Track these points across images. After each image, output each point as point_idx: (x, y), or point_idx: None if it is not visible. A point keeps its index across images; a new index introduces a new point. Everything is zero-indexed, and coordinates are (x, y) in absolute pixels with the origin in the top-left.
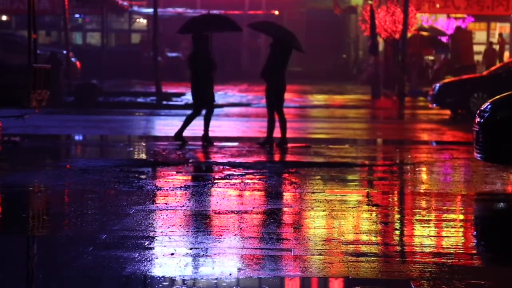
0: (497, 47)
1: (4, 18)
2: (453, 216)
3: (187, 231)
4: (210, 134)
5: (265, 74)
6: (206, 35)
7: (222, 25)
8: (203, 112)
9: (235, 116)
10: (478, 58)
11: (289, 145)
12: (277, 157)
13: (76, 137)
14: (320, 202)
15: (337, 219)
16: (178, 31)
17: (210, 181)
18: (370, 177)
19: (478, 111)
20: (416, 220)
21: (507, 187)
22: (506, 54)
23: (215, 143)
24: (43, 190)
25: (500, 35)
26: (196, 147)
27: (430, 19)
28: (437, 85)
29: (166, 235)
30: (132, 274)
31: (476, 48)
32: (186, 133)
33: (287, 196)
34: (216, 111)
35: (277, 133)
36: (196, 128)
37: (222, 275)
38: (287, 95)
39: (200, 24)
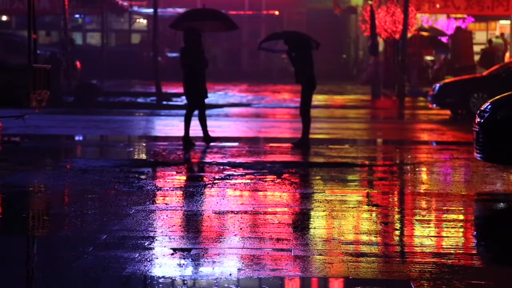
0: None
1: (4, 18)
2: (453, 216)
3: (187, 231)
4: (211, 134)
5: (297, 77)
6: (197, 29)
7: (216, 19)
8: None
9: (235, 116)
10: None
11: (289, 145)
12: (277, 158)
13: (76, 137)
14: (320, 202)
15: (337, 219)
16: (170, 26)
17: (210, 181)
18: (370, 177)
19: (478, 111)
20: (416, 220)
21: (507, 187)
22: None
23: (214, 144)
24: (43, 190)
25: (502, 35)
26: (196, 147)
27: (430, 19)
28: (437, 85)
29: (166, 235)
30: (132, 274)
31: (476, 48)
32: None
33: (287, 196)
34: (216, 111)
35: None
36: (196, 128)
37: (222, 275)
38: (287, 95)
39: (192, 18)
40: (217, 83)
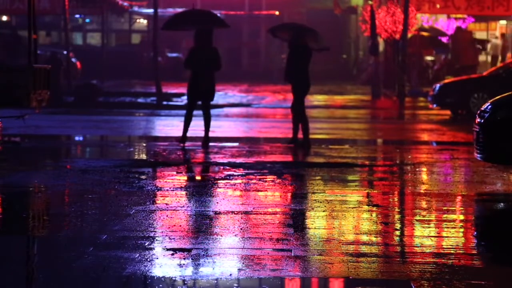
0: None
1: (4, 18)
2: (453, 216)
3: (187, 232)
4: (210, 134)
5: (288, 76)
6: (210, 31)
7: (209, 21)
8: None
9: (235, 117)
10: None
11: (289, 145)
12: (277, 158)
13: (76, 137)
14: (321, 202)
15: (337, 220)
16: (163, 28)
17: (210, 182)
18: (370, 177)
19: (478, 112)
20: (416, 220)
21: (507, 187)
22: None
23: (214, 144)
24: (43, 190)
25: (503, 35)
26: (196, 147)
27: (431, 20)
28: (437, 85)
29: (166, 235)
30: (132, 274)
31: None
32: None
33: (287, 196)
34: (216, 111)
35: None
36: (196, 128)
37: (222, 276)
38: (286, 95)
39: (185, 20)
40: (217, 83)
